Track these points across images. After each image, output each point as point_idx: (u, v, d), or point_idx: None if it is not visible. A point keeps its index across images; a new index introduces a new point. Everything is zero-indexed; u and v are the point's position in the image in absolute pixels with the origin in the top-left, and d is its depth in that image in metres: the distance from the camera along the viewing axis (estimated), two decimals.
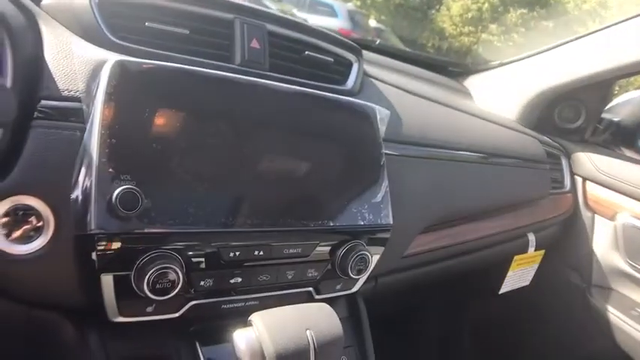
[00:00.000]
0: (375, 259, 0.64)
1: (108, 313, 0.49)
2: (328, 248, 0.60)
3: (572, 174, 1.22)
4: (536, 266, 1.14)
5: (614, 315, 1.16)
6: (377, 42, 1.29)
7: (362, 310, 0.70)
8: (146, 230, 0.46)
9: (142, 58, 0.50)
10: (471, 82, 1.35)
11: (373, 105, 0.66)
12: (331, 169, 0.60)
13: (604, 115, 1.30)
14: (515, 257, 1.05)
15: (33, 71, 0.47)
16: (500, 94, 1.27)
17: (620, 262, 1.16)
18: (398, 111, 0.76)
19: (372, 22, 9.69)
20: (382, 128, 0.66)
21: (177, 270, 0.47)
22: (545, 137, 1.20)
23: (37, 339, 0.55)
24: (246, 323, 0.47)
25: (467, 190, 0.88)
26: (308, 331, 0.46)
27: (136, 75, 0.48)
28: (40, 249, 0.45)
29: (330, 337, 0.47)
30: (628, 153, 1.26)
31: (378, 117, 0.66)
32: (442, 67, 1.36)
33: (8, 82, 0.45)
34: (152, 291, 0.46)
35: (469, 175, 0.90)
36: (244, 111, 0.54)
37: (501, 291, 1.08)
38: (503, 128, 1.10)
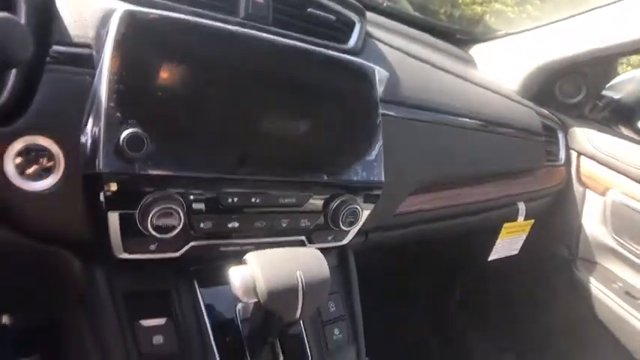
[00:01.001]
0: (366, 214, 0.68)
1: (113, 249, 0.53)
2: (321, 200, 0.64)
3: (568, 148, 1.25)
4: (524, 236, 1.19)
5: (597, 288, 1.22)
6: (384, 4, 1.30)
7: (351, 261, 0.74)
8: (150, 172, 0.49)
9: (150, 8, 0.53)
10: (477, 51, 1.36)
11: (373, 65, 0.69)
12: (328, 125, 0.64)
13: (605, 93, 1.32)
14: (505, 225, 1.10)
15: (44, 15, 0.50)
16: (504, 65, 1.29)
17: (607, 238, 1.20)
18: (398, 74, 0.79)
19: None
20: (380, 89, 0.69)
21: (179, 210, 0.50)
22: (544, 110, 1.23)
23: (48, 273, 0.59)
24: (241, 262, 0.52)
25: (461, 155, 0.92)
26: (298, 272, 0.51)
27: (144, 24, 0.51)
28: (51, 187, 0.49)
29: (318, 280, 0.52)
30: (625, 132, 1.29)
31: (377, 77, 0.69)
32: (449, 34, 1.38)
33: (22, 19, 0.48)
34: (155, 229, 0.50)
35: (465, 141, 0.94)
36: (246, 63, 0.57)
37: (490, 258, 1.13)
38: (502, 98, 1.12)
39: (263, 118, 0.57)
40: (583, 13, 1.19)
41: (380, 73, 0.69)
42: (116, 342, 0.53)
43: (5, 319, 0.99)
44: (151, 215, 0.49)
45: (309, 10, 0.67)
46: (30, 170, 0.49)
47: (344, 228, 0.65)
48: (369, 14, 0.83)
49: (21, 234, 0.52)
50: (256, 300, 0.49)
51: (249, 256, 0.51)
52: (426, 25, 1.34)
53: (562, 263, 1.27)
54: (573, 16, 1.21)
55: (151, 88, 0.50)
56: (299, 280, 0.50)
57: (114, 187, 0.49)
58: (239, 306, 0.61)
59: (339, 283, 0.73)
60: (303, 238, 0.65)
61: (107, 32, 0.50)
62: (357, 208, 0.64)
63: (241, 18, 0.61)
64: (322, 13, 0.69)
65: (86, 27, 0.51)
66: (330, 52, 0.65)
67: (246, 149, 0.56)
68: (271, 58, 0.59)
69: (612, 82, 1.35)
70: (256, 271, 0.49)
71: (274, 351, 0.60)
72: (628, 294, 1.18)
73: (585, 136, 1.25)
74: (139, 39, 0.50)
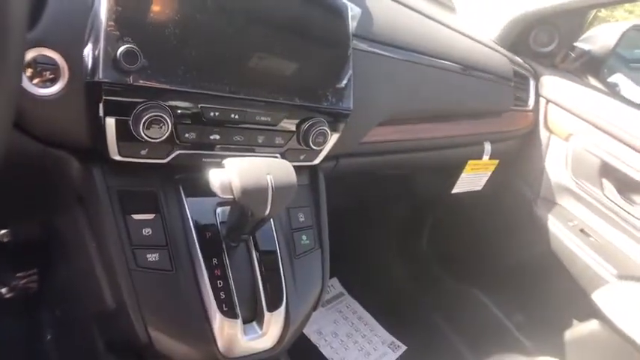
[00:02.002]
0: (335, 137, 0.77)
1: (109, 151, 0.62)
2: (295, 122, 0.73)
3: (538, 95, 1.34)
4: (489, 174, 1.29)
5: (555, 225, 1.33)
6: None
7: (320, 180, 0.84)
8: (142, 83, 0.58)
9: None
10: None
11: (346, 1, 0.76)
12: (303, 55, 0.72)
13: (577, 44, 1.40)
14: (469, 162, 1.20)
15: None
16: (483, 13, 1.36)
17: (567, 180, 1.31)
18: (372, 12, 0.87)
19: None
20: (353, 24, 0.77)
21: (167, 118, 0.59)
22: (518, 58, 1.31)
23: (49, 172, 0.68)
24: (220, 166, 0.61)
25: (429, 92, 1.00)
26: (268, 176, 0.60)
27: None
28: (57, 93, 0.57)
29: (286, 182, 0.61)
30: (593, 82, 1.38)
31: (350, 13, 0.77)
32: None
33: None
34: (145, 134, 0.59)
35: (436, 81, 1.02)
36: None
37: (454, 190, 1.23)
38: (477, 44, 1.20)
39: (245, 44, 0.65)
40: None
41: (353, 10, 0.77)
42: (111, 232, 0.63)
43: (2, 235, 1.06)
44: (142, 121, 0.58)
45: None
46: (38, 78, 0.57)
47: (314, 148, 0.74)
48: None
49: (30, 137, 0.61)
50: (232, 197, 0.59)
51: (227, 161, 0.60)
52: None
53: (524, 202, 1.38)
54: None
55: (145, 10, 0.58)
56: (269, 182, 0.60)
57: (111, 95, 0.57)
58: (218, 210, 0.71)
59: (308, 199, 0.83)
60: (277, 155, 0.74)
61: None
62: (325, 130, 0.74)
63: None
64: None
65: None
66: None
67: (228, 70, 0.64)
68: None
69: (585, 35, 1.43)
70: (233, 171, 0.58)
71: (248, 247, 0.71)
72: (582, 231, 1.30)
73: (555, 85, 1.33)
74: None
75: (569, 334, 1.34)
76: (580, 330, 1.31)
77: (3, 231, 1.04)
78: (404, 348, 1.66)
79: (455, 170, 1.21)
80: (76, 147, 0.63)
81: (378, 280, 1.58)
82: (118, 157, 0.62)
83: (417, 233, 1.63)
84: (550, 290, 1.40)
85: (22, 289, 1.09)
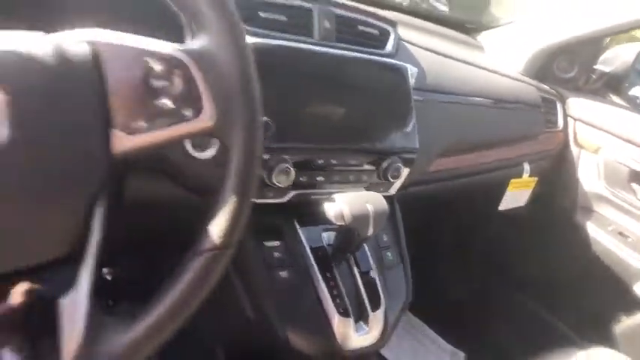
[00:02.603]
0: (406, 171, 0.98)
1: None
2: (375, 162, 0.93)
3: (565, 116, 1.52)
4: (529, 191, 1.48)
5: (594, 230, 1.50)
6: (404, 3, 1.59)
7: (396, 208, 1.04)
8: (274, 145, 0.79)
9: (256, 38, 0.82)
10: (484, 38, 1.64)
11: (406, 64, 0.98)
12: (379, 110, 0.93)
13: (597, 67, 1.59)
14: (512, 180, 1.39)
15: None
16: (509, 49, 1.56)
17: (601, 189, 1.48)
18: (423, 67, 1.08)
19: None
20: (412, 80, 0.98)
21: (291, 169, 0.80)
22: (544, 86, 1.51)
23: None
24: (331, 200, 0.82)
25: (475, 126, 1.21)
26: (368, 205, 0.80)
27: (260, 50, 0.80)
28: (211, 157, 0.79)
29: (381, 210, 0.81)
30: (615, 99, 1.57)
31: (409, 72, 0.98)
32: (459, 23, 1.66)
33: None
34: (277, 182, 0.80)
35: (477, 115, 1.22)
36: (323, 70, 0.86)
37: (500, 207, 1.42)
38: (507, 78, 1.40)
39: (339, 106, 0.87)
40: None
41: (411, 69, 0.98)
42: (253, 257, 0.84)
43: (107, 272, 1.19)
44: (274, 172, 0.79)
45: (359, 27, 0.96)
46: (198, 147, 0.78)
47: (391, 181, 0.95)
48: (393, 14, 1.12)
49: (183, 187, 0.81)
50: (342, 223, 0.79)
51: (337, 196, 0.81)
52: (439, 17, 1.63)
53: (564, 212, 1.55)
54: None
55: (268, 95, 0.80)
56: (370, 209, 0.80)
57: None
58: (324, 235, 0.91)
59: (389, 223, 1.03)
60: (363, 189, 0.95)
61: None
62: (399, 166, 0.94)
63: (316, 39, 0.90)
64: (368, 29, 0.98)
65: None
66: (377, 58, 0.95)
67: (330, 128, 0.85)
68: (338, 65, 0.88)
69: (603, 57, 1.62)
70: (343, 203, 0.79)
71: (350, 264, 0.91)
72: (621, 234, 1.46)
73: (580, 105, 1.52)
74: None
75: (617, 327, 1.49)
76: (627, 322, 1.46)
77: (106, 269, 1.20)
78: (462, 355, 1.81)
79: (500, 189, 1.40)
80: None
81: (435, 291, 1.76)
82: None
83: (470, 248, 1.80)
84: (596, 290, 1.56)
85: None
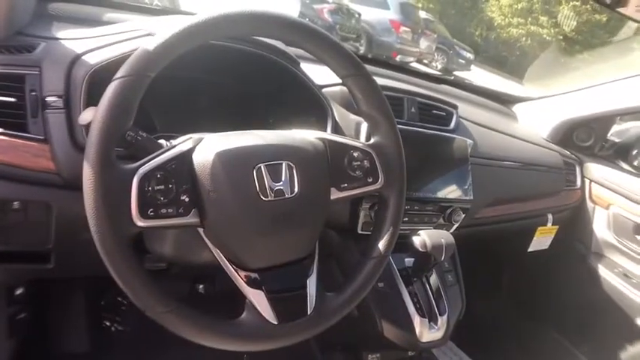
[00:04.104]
0: (463, 216, 1.37)
1: (358, 228, 1.22)
2: (443, 208, 1.32)
3: (583, 176, 1.91)
4: (552, 237, 1.85)
5: (604, 271, 1.86)
6: (452, 77, 2.01)
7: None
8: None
9: None
10: (517, 108, 2.05)
11: (465, 138, 1.38)
12: (446, 171, 1.33)
13: (609, 137, 1.99)
14: (539, 228, 1.77)
15: None
16: (538, 119, 1.97)
17: (611, 238, 1.85)
18: (475, 138, 1.48)
19: (422, 14, 10.39)
20: (469, 149, 1.38)
21: None
22: (566, 151, 1.90)
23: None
24: (416, 234, 1.20)
25: (510, 184, 1.60)
26: (442, 239, 1.18)
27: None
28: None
29: (451, 241, 1.18)
30: (623, 165, 1.95)
31: (468, 143, 1.38)
32: (497, 96, 2.08)
33: None
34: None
35: (512, 176, 1.61)
36: (410, 142, 1.26)
37: (529, 249, 1.80)
38: (535, 145, 1.80)
39: (420, 168, 1.26)
40: (592, 87, 1.86)
41: (469, 142, 1.38)
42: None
43: (200, 288, 1.46)
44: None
45: (433, 111, 1.37)
46: None
47: (453, 223, 1.34)
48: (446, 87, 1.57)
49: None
50: (425, 250, 1.17)
51: (422, 232, 1.19)
52: (479, 90, 2.05)
53: (579, 256, 1.91)
54: (586, 87, 1.88)
55: None
56: (443, 241, 1.18)
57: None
58: (406, 259, 1.29)
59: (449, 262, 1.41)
60: (431, 227, 1.33)
61: None
62: (460, 212, 1.33)
63: (405, 120, 1.30)
64: (439, 112, 1.39)
65: None
66: (445, 134, 1.35)
67: (411, 183, 1.25)
68: (420, 139, 1.29)
69: (615, 129, 2.01)
70: (426, 237, 1.17)
71: (423, 282, 1.29)
72: (626, 275, 1.82)
73: (595, 169, 1.90)
74: None
75: (625, 355, 1.83)
76: (631, 350, 1.81)
77: (201, 285, 1.51)
78: None
79: (529, 234, 1.78)
80: (341, 227, 1.23)
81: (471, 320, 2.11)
82: (360, 231, 1.22)
83: (498, 283, 2.17)
84: (607, 322, 1.90)
85: None
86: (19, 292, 1.29)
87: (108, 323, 1.61)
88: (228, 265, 0.78)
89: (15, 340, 1.29)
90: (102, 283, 1.39)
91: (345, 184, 0.87)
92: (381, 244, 0.90)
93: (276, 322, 0.78)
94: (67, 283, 1.45)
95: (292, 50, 1.13)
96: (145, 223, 0.68)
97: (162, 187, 0.70)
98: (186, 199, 0.72)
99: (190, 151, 0.74)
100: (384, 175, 0.89)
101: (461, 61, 11.76)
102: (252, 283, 0.77)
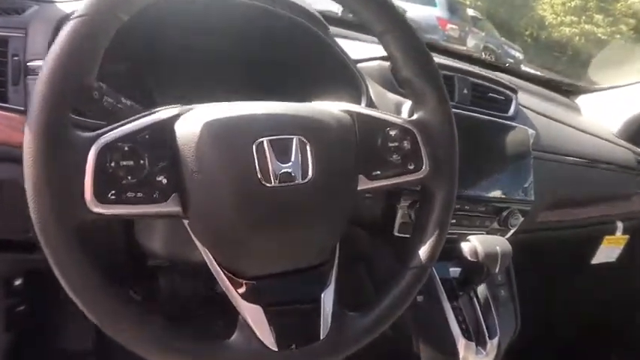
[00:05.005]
0: (521, 220, 1.15)
1: (394, 229, 1.02)
2: (498, 211, 1.11)
3: None
4: (620, 248, 1.61)
5: None
6: (507, 64, 1.79)
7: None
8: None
9: None
10: (581, 100, 1.81)
11: (526, 127, 1.16)
12: (502, 165, 1.12)
13: None
14: (606, 237, 1.53)
15: None
16: (606, 112, 1.72)
17: None
18: (537, 129, 1.26)
19: (470, 11, 10.07)
20: (531, 140, 1.17)
21: None
22: (639, 149, 1.65)
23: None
24: (465, 240, 1.00)
25: (575, 183, 1.37)
26: (497, 247, 0.98)
27: None
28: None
29: (507, 250, 0.98)
30: None
31: (530, 133, 1.16)
32: (558, 86, 1.84)
33: None
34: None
35: (575, 173, 1.38)
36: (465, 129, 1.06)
37: (593, 261, 1.56)
38: (605, 141, 1.56)
39: (470, 161, 1.05)
40: None
41: (531, 132, 1.17)
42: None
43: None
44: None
45: (489, 94, 1.16)
46: None
47: (510, 228, 1.12)
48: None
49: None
50: (475, 259, 0.97)
51: (472, 237, 0.99)
52: (541, 79, 1.82)
53: None
54: None
55: None
56: (498, 250, 0.98)
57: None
58: (450, 269, 1.09)
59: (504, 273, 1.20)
60: (484, 232, 1.13)
61: None
62: (518, 215, 1.12)
63: (456, 102, 1.10)
64: (496, 95, 1.18)
65: None
66: (503, 121, 1.14)
67: (467, 181, 1.04)
68: (472, 126, 1.08)
69: None
70: (478, 244, 0.97)
71: (470, 297, 1.08)
72: None
73: None
74: None
75: None
76: None
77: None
78: None
79: (593, 243, 1.54)
80: (372, 226, 1.04)
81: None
82: (397, 234, 1.02)
83: (552, 300, 1.93)
84: None
85: None
86: (17, 282, 1.20)
87: None
88: (219, 270, 0.59)
89: (13, 334, 1.21)
90: None
91: (378, 172, 0.67)
92: (423, 252, 0.71)
93: (275, 349, 0.60)
94: None
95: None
96: (103, 209, 0.51)
97: (131, 162, 0.52)
98: (164, 181, 0.54)
99: (172, 119, 0.56)
100: (429, 162, 0.69)
101: (510, 60, 11.34)
102: (247, 295, 0.59)
